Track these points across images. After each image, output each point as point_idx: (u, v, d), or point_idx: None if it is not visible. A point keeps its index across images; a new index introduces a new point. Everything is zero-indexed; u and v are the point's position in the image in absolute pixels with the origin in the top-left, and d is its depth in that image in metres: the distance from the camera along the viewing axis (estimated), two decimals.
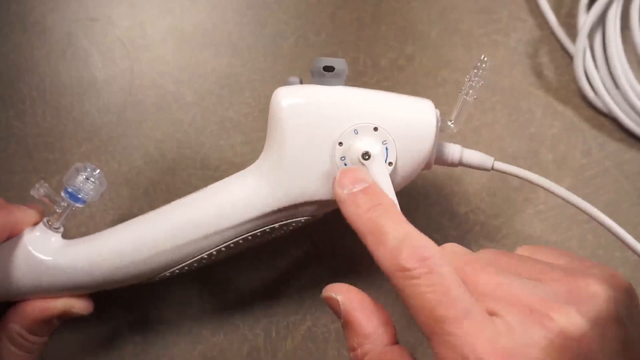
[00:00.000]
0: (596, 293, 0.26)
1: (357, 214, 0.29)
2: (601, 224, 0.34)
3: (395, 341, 0.28)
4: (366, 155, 0.31)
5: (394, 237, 0.27)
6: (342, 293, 0.29)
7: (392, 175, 0.31)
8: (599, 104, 0.42)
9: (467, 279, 0.26)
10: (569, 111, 0.42)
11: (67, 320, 0.34)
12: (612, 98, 0.41)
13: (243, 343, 0.40)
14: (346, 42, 0.43)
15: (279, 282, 0.40)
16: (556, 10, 0.43)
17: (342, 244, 0.41)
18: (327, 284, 0.40)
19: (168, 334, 0.40)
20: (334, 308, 0.29)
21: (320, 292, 0.40)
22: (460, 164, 0.34)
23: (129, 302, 0.40)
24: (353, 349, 0.28)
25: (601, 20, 0.42)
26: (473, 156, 0.34)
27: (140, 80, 0.42)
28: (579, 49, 0.41)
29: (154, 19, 0.43)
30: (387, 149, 0.31)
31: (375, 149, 0.31)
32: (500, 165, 0.34)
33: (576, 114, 0.42)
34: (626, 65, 0.41)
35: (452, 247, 0.30)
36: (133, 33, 0.43)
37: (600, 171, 0.42)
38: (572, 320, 0.24)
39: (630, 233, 0.34)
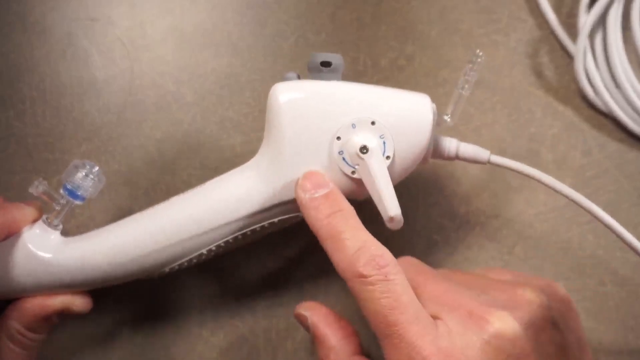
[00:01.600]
0: (531, 300, 0.28)
1: (318, 218, 0.30)
2: (576, 203, 0.35)
3: (359, 352, 0.31)
4: (364, 149, 0.31)
5: (352, 244, 0.28)
6: (310, 310, 0.32)
7: (390, 168, 0.32)
8: (599, 104, 0.42)
9: (417, 286, 0.29)
10: (569, 111, 0.42)
11: (66, 318, 0.34)
12: (613, 98, 0.41)
13: (243, 344, 0.40)
14: (346, 42, 0.43)
15: (279, 283, 0.40)
16: (556, 10, 0.43)
17: None
18: (328, 284, 0.40)
19: (168, 335, 0.40)
20: (303, 324, 0.32)
21: (321, 292, 0.40)
22: (457, 157, 0.35)
23: (129, 302, 0.40)
24: None
25: (602, 21, 0.42)
26: (469, 149, 0.35)
27: (140, 80, 0.42)
28: (580, 49, 0.41)
29: (154, 19, 0.43)
30: (384, 142, 0.32)
31: (373, 142, 0.31)
32: (496, 158, 0.35)
33: (576, 114, 0.42)
34: (627, 65, 0.40)
35: (409, 259, 0.32)
36: (133, 33, 0.43)
37: (601, 171, 0.41)
38: (506, 323, 0.27)
39: (630, 233, 0.34)
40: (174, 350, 0.39)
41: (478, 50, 0.34)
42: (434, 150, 0.34)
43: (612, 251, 0.40)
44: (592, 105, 0.42)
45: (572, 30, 0.43)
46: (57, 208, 0.33)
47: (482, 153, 0.35)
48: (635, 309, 0.40)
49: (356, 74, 0.42)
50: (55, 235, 0.33)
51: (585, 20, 0.41)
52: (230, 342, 0.40)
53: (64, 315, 0.34)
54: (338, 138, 0.32)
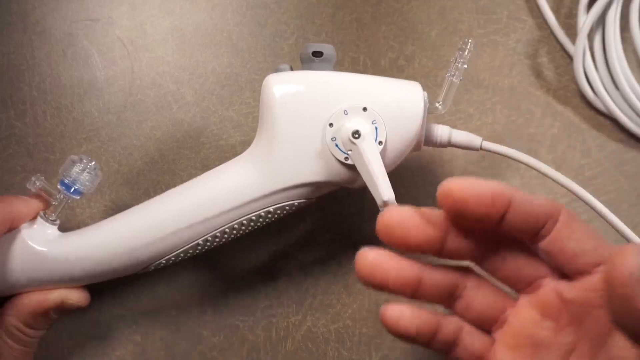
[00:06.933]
0: None
1: None
2: (566, 188, 0.35)
3: None
4: (356, 134, 0.31)
5: None
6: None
7: (383, 154, 0.32)
8: (598, 104, 0.42)
9: None
10: (569, 111, 0.42)
11: (64, 313, 0.34)
12: (612, 98, 0.41)
13: (243, 343, 0.40)
14: (346, 42, 0.43)
15: (279, 282, 0.40)
16: (556, 11, 0.43)
17: (341, 244, 0.41)
18: (328, 284, 0.40)
19: (168, 334, 0.40)
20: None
21: (320, 292, 0.40)
22: (450, 144, 0.35)
23: (129, 302, 0.40)
24: None
25: (601, 21, 0.42)
26: (462, 136, 0.35)
27: (140, 80, 0.42)
28: (579, 49, 0.41)
29: (154, 19, 0.43)
30: (376, 128, 0.32)
31: (365, 128, 0.31)
32: (488, 144, 0.35)
33: (576, 114, 0.42)
34: (626, 66, 0.41)
35: None
36: (133, 33, 0.43)
37: (600, 171, 0.42)
38: None
39: (625, 225, 0.35)
40: (174, 349, 0.39)
41: (467, 39, 0.34)
42: (427, 138, 0.35)
43: None
44: (591, 106, 0.42)
45: (571, 30, 0.43)
46: (54, 203, 0.34)
47: (474, 139, 0.35)
48: None
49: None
50: (52, 230, 0.34)
51: (585, 20, 0.41)
52: (230, 342, 0.40)
53: (62, 311, 0.34)
54: (330, 125, 0.32)
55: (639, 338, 0.22)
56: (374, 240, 0.41)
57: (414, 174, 0.41)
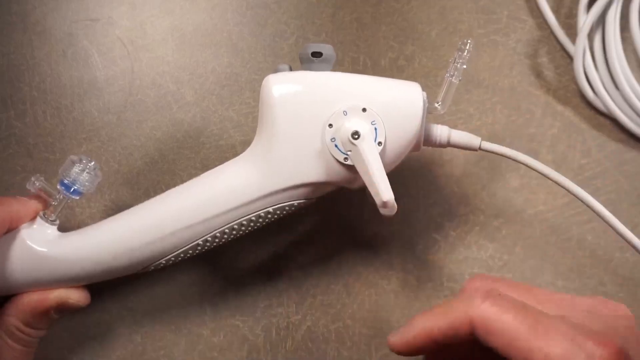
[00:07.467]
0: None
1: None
2: (566, 188, 0.35)
3: None
4: (355, 135, 0.31)
5: None
6: None
7: (382, 154, 0.32)
8: (598, 104, 0.42)
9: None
10: (569, 111, 0.42)
11: (64, 313, 0.34)
12: (612, 98, 0.41)
13: (243, 343, 0.40)
14: (346, 42, 0.43)
15: (279, 282, 0.40)
16: (556, 11, 0.43)
17: (341, 244, 0.41)
18: (328, 284, 0.40)
19: (168, 334, 0.40)
20: None
21: (320, 292, 0.40)
22: (449, 144, 0.35)
23: (129, 302, 0.40)
24: None
25: (601, 21, 0.42)
26: (461, 136, 0.35)
27: (140, 80, 0.42)
28: (579, 49, 0.41)
29: (154, 19, 0.43)
30: (376, 129, 0.32)
31: (365, 128, 0.31)
32: (487, 145, 0.35)
33: (576, 114, 0.42)
34: (626, 66, 0.41)
35: (484, 277, 0.30)
36: (133, 33, 0.43)
37: (600, 171, 0.42)
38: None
39: (625, 226, 0.35)
40: (174, 349, 0.39)
41: (466, 39, 0.35)
42: (426, 138, 0.35)
43: (612, 251, 0.40)
44: (591, 106, 0.42)
45: (571, 30, 0.43)
46: (54, 203, 0.34)
47: (473, 139, 0.35)
48: (634, 309, 0.40)
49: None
50: (52, 230, 0.34)
51: (585, 20, 0.41)
52: (230, 342, 0.40)
53: (62, 311, 0.34)
54: (330, 125, 0.32)
55: None
56: (374, 241, 0.41)
57: (414, 174, 0.41)
